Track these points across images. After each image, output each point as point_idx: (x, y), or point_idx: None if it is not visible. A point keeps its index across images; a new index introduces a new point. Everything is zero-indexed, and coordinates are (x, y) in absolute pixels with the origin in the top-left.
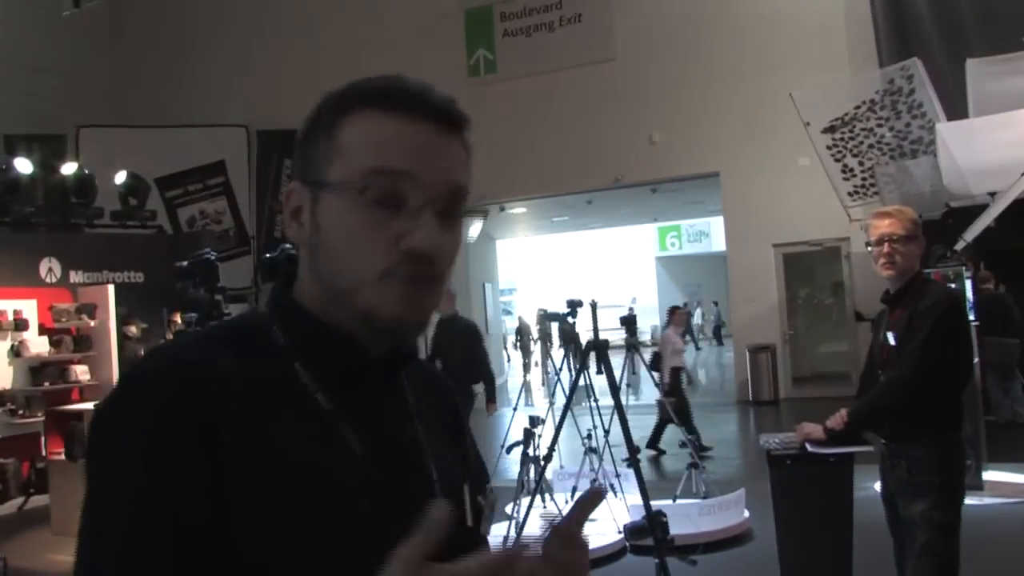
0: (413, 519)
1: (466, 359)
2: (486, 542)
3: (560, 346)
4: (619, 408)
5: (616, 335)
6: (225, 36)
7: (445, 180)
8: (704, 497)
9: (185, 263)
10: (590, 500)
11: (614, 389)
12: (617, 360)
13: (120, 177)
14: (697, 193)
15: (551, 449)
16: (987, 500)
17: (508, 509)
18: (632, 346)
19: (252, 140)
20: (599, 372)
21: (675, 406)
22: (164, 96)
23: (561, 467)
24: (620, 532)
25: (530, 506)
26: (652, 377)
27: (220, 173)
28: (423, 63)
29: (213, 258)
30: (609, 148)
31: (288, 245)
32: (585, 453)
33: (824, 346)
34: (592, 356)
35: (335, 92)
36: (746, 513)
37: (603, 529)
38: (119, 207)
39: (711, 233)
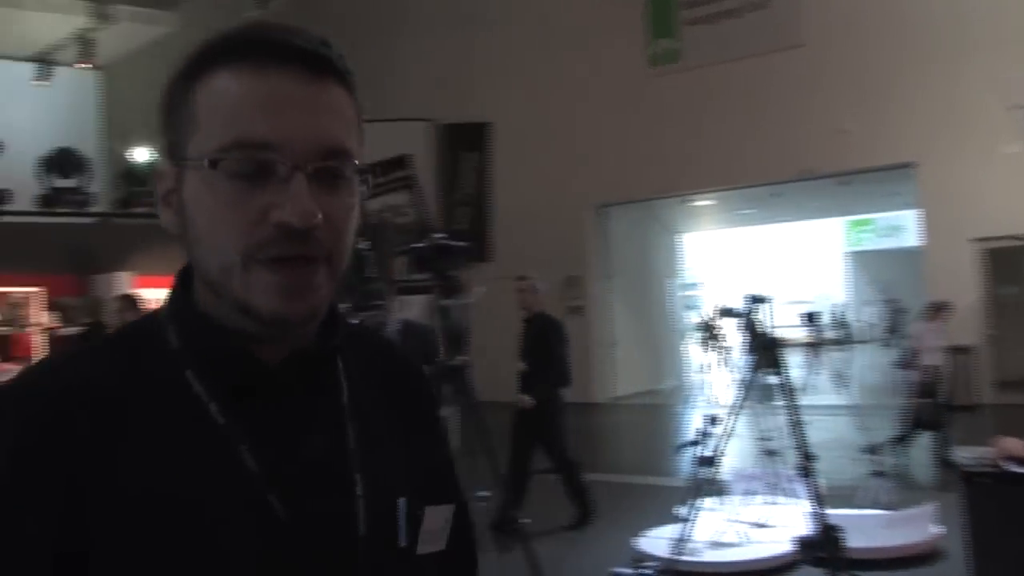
0: (319, 543)
1: (547, 360)
2: (426, 563)
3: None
4: (792, 410)
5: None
6: (406, 31)
7: (316, 139)
8: (889, 509)
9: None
10: None
11: (788, 390)
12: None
13: None
14: (891, 185)
15: (718, 450)
16: None
17: (681, 511)
18: (814, 345)
19: (434, 134)
20: (774, 372)
21: (928, 408)
22: (358, 90)
23: (738, 469)
24: (793, 543)
25: (698, 508)
26: (837, 377)
27: (404, 166)
28: (603, 53)
29: (360, 249)
30: (796, 138)
31: (439, 235)
32: (762, 455)
33: None
34: (764, 355)
35: (190, 52)
36: (935, 529)
37: (777, 536)
38: None
39: (906, 227)
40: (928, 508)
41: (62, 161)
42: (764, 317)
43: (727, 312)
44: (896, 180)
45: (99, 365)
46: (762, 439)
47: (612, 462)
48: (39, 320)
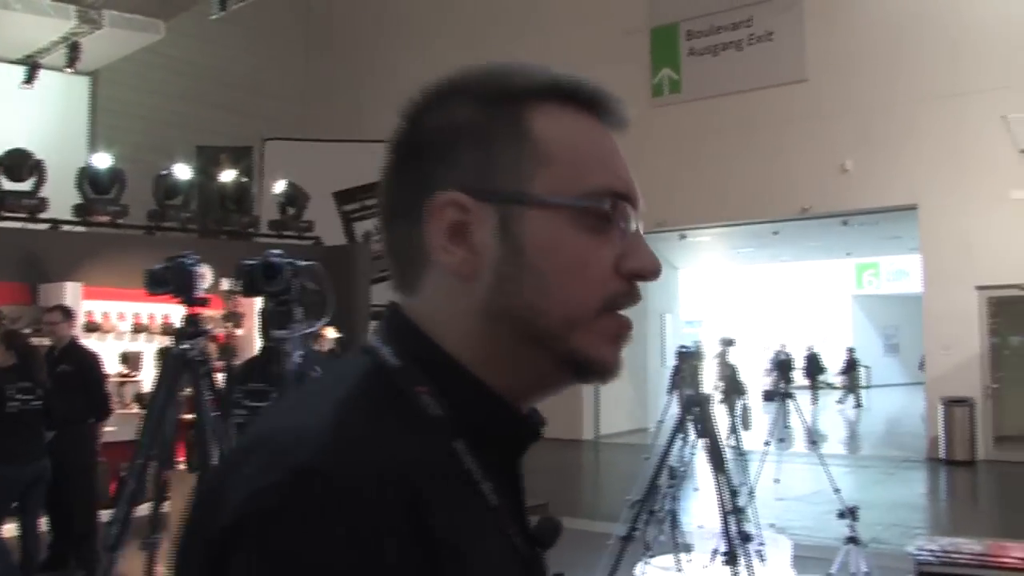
0: None
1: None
2: None
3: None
4: (721, 479)
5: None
6: (407, 52)
7: (638, 195)
8: None
9: (157, 267)
10: None
11: (716, 456)
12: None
13: (279, 186)
14: (895, 227)
15: (667, 506)
16: None
17: (637, 571)
18: (786, 394)
19: None
20: (698, 435)
21: None
22: (349, 111)
23: (701, 527)
24: None
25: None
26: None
27: None
28: (605, 82)
29: (189, 264)
30: (797, 175)
31: (277, 251)
32: (726, 513)
33: None
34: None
35: (485, 79)
36: None
37: None
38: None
39: (911, 272)
40: None
41: (14, 164)
42: (737, 359)
43: (689, 354)
44: (899, 222)
45: (397, 434)
46: (728, 494)
47: (591, 507)
48: None
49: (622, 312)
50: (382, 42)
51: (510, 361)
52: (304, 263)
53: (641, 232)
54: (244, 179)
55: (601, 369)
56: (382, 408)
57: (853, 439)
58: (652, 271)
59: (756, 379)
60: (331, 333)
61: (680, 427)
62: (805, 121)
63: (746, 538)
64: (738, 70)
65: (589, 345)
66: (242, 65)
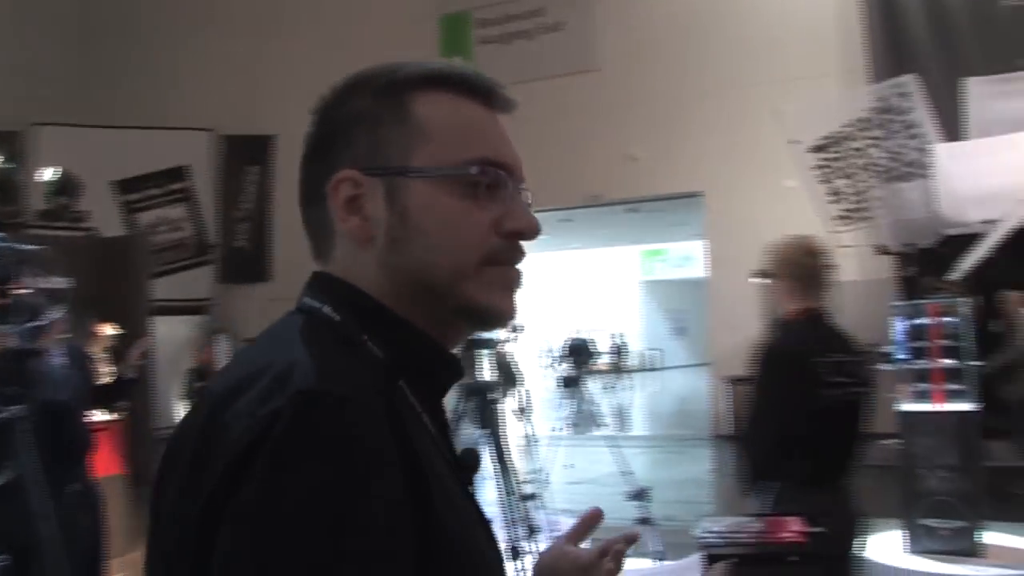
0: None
1: None
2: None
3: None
4: (505, 473)
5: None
6: (193, 36)
7: (521, 167)
8: (659, 559)
9: None
10: (590, 519)
11: (496, 446)
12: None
13: (47, 173)
14: (682, 214)
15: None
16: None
17: None
18: (573, 380)
19: (217, 145)
20: (483, 427)
21: None
22: (129, 96)
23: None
24: None
25: None
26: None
27: (182, 178)
28: None
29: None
30: (587, 164)
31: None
32: (509, 505)
33: None
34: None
35: (378, 74)
36: None
37: None
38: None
39: (697, 258)
40: (696, 559)
41: None
42: (514, 348)
43: (479, 344)
44: (685, 210)
45: (361, 369)
46: (523, 481)
47: None
48: None
49: (511, 266)
50: (166, 27)
51: (417, 311)
52: (29, 248)
53: (524, 197)
54: (11, 165)
55: (491, 313)
56: (340, 351)
57: (641, 420)
58: (530, 230)
59: (545, 367)
60: (108, 330)
61: (463, 417)
62: (596, 110)
63: (532, 531)
64: (530, 59)
65: (476, 293)
66: (7, 44)
